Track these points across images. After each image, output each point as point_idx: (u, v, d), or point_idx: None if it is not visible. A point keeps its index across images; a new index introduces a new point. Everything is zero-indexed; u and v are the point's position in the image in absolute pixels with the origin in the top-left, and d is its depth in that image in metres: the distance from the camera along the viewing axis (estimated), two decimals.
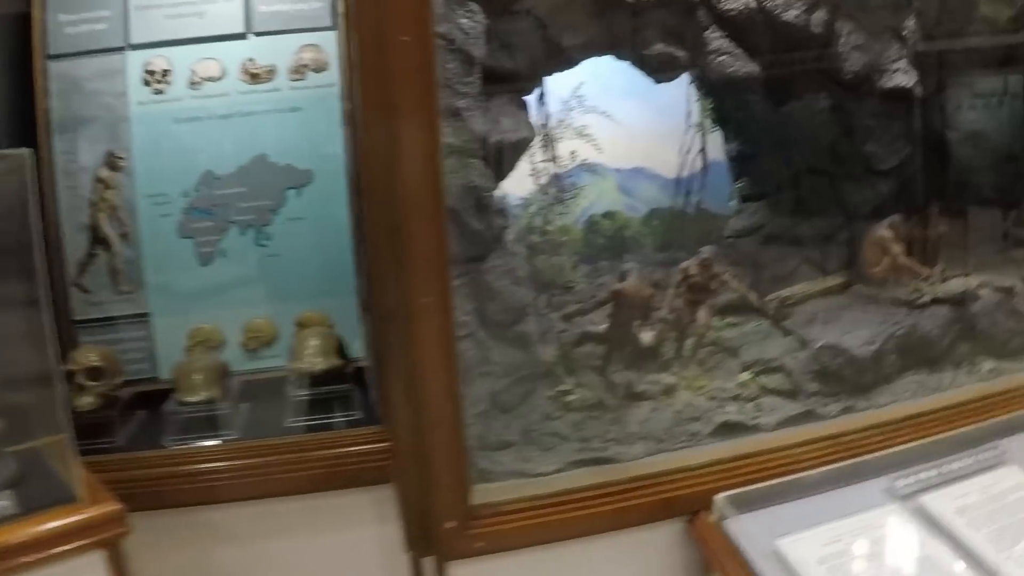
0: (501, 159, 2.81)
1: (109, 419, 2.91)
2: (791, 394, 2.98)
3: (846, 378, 2.98)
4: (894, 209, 3.25)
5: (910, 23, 3.20)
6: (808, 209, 3.35)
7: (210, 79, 3.30)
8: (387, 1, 2.02)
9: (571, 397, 2.93)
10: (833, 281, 3.29)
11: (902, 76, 3.13)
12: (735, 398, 2.97)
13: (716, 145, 3.42)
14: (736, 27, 3.02)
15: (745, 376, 3.04)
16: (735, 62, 3.01)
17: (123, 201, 3.22)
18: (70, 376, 2.81)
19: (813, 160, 3.32)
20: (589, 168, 3.56)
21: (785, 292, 3.21)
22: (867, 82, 3.13)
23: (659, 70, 2.95)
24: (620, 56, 2.97)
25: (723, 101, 3.30)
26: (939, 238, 3.44)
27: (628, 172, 3.68)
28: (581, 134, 3.11)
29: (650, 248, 3.63)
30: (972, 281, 3.33)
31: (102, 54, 3.22)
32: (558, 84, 3.07)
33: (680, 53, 2.93)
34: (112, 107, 3.21)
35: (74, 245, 3.21)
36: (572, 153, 3.10)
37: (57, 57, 3.15)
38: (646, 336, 3.13)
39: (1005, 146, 3.33)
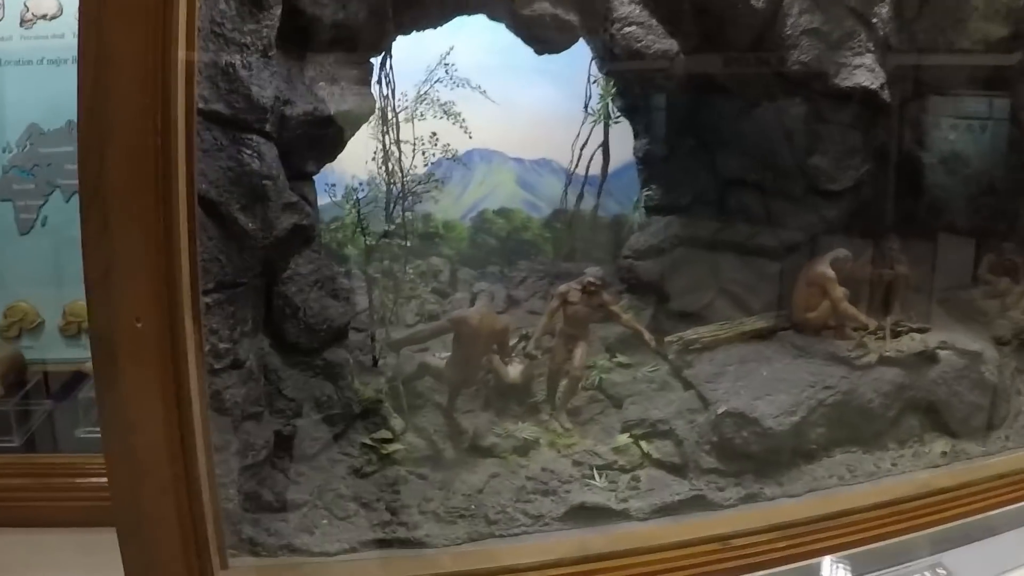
0: (319, 137, 2.15)
1: None
2: (679, 469, 2.32)
3: (753, 456, 2.31)
4: (842, 241, 2.56)
5: (882, 9, 2.52)
6: (732, 230, 2.66)
7: (44, 17, 2.79)
8: None
9: (393, 447, 2.28)
10: (755, 324, 2.61)
11: (866, 74, 2.46)
12: (607, 467, 2.31)
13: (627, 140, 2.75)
14: None
15: (624, 439, 2.38)
16: (646, 35, 2.34)
17: None
18: None
19: (742, 170, 2.63)
20: (484, 155, 2.93)
21: (690, 334, 2.53)
22: (820, 78, 2.46)
23: (541, 38, 2.28)
24: (493, 16, 2.29)
25: (632, 86, 2.61)
26: (899, 281, 2.77)
27: (531, 164, 3.04)
28: (448, 112, 2.43)
29: (550, 255, 2.99)
30: (932, 339, 2.66)
31: None
32: (422, 48, 2.41)
33: (571, 17, 2.26)
34: None
35: None
36: (433, 136, 2.42)
37: None
38: (513, 370, 2.47)
39: (986, 175, 2.63)
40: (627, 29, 2.33)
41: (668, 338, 2.52)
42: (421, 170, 2.49)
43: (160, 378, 1.67)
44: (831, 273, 2.53)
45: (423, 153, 2.43)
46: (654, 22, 2.36)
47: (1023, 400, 2.85)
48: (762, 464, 2.32)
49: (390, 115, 2.29)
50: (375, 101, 2.28)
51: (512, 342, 2.46)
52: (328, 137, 2.19)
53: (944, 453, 2.57)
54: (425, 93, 2.40)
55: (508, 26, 2.29)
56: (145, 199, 1.56)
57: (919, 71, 2.67)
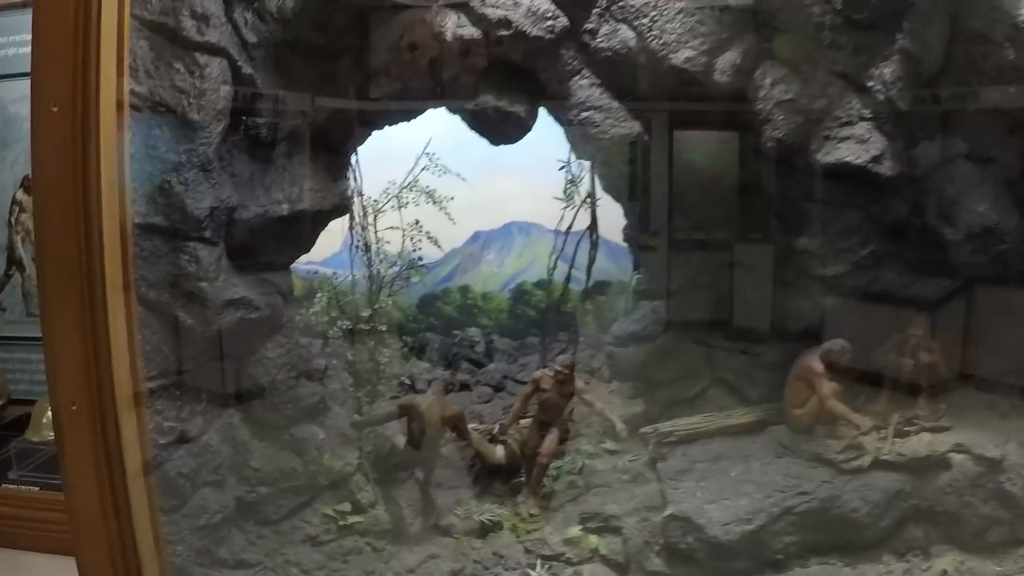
0: (282, 234, 2.30)
1: None
2: (623, 569, 2.28)
3: (700, 563, 2.22)
4: (861, 327, 2.34)
5: (885, 70, 2.25)
6: (727, 317, 2.51)
7: None
8: None
9: (354, 519, 2.43)
10: (741, 418, 2.46)
11: (853, 147, 2.22)
12: (554, 558, 2.32)
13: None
14: (612, 72, 2.26)
15: (576, 531, 2.37)
16: (604, 119, 2.25)
17: None
18: None
19: (738, 253, 2.46)
20: (522, 228, 2.94)
21: (667, 425, 2.44)
22: (800, 154, 2.25)
23: (490, 130, 2.27)
24: (451, 110, 2.32)
25: (610, 167, 2.51)
26: (921, 371, 2.48)
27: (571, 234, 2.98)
28: (434, 198, 2.49)
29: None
30: (943, 441, 2.38)
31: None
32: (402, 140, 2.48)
33: (517, 108, 2.23)
34: None
35: None
36: (416, 223, 2.49)
37: None
38: (499, 451, 2.55)
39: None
40: (584, 114, 2.26)
41: (643, 429, 2.45)
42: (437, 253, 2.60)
43: (92, 452, 1.96)
44: (819, 367, 2.32)
45: (411, 239, 2.52)
46: (615, 104, 2.27)
47: None
48: (713, 572, 2.23)
49: (360, 208, 2.40)
50: (338, 198, 2.39)
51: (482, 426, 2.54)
52: (293, 233, 2.34)
53: (944, 571, 2.32)
54: (412, 182, 2.48)
55: (463, 119, 2.31)
56: (72, 302, 1.81)
57: (944, 128, 2.36)
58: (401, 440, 2.48)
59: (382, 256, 2.49)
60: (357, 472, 2.49)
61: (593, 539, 2.34)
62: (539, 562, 2.30)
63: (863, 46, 2.25)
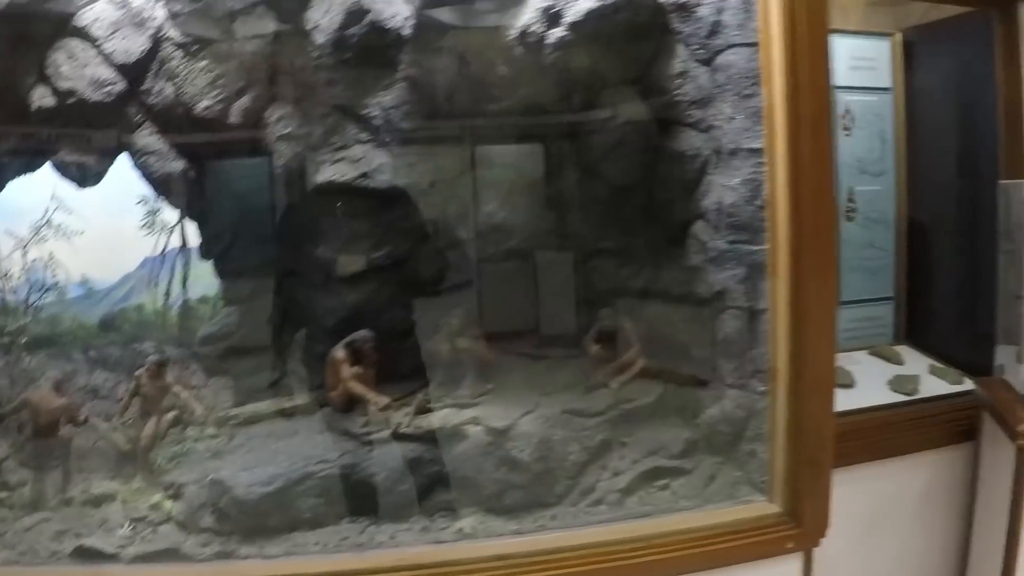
0: None
1: None
2: (185, 526, 2.72)
3: (233, 519, 2.64)
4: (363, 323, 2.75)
5: (386, 98, 2.68)
6: (285, 317, 2.95)
7: None
8: None
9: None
10: (291, 402, 2.88)
11: (343, 167, 2.65)
12: (141, 519, 2.79)
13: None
14: (163, 122, 2.79)
15: (158, 498, 2.83)
16: (156, 162, 2.78)
17: None
18: None
19: (293, 262, 2.90)
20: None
21: (233, 411, 2.89)
22: (303, 177, 2.70)
23: (67, 175, 2.83)
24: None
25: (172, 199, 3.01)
26: (461, 353, 2.83)
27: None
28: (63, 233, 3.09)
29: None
30: (462, 415, 2.71)
31: None
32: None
33: (87, 159, 2.80)
34: None
35: None
36: (51, 255, 3.09)
37: None
38: (119, 438, 3.06)
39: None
40: (144, 159, 2.79)
41: (219, 414, 2.91)
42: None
43: None
44: (339, 355, 2.72)
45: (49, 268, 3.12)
46: (166, 148, 2.80)
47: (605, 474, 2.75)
48: (244, 527, 2.63)
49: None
50: None
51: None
52: None
53: (463, 530, 2.62)
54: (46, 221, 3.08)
55: (56, 170, 2.88)
56: None
57: (457, 147, 2.76)
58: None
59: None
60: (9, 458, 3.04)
61: (168, 504, 2.80)
62: (127, 522, 2.78)
63: (359, 80, 2.70)
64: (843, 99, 3.44)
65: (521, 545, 2.53)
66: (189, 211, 2.97)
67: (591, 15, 2.66)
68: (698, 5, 2.76)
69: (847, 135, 3.42)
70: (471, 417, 2.70)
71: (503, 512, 2.66)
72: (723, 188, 2.70)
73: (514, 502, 2.66)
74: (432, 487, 2.70)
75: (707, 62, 2.77)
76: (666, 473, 2.76)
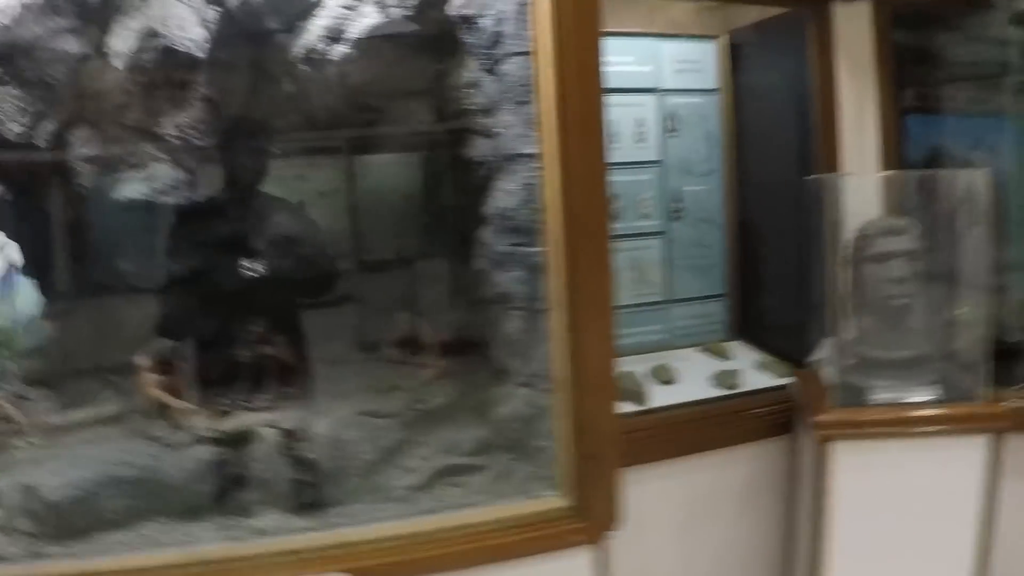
0: None
1: None
2: (4, 530, 2.87)
3: (44, 521, 2.78)
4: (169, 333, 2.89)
5: (183, 118, 2.83)
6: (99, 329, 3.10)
7: None
8: None
9: None
10: (107, 410, 3.02)
11: (137, 185, 2.80)
12: None
13: None
14: None
15: None
16: None
17: None
18: None
19: (101, 278, 3.06)
20: None
21: (54, 419, 3.04)
22: (106, 195, 2.85)
23: None
24: None
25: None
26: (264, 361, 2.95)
27: None
28: None
29: None
30: (257, 419, 2.83)
31: None
32: None
33: None
34: None
35: None
36: None
37: None
38: None
39: None
40: None
41: (39, 421, 3.06)
42: None
43: None
44: (141, 362, 2.87)
45: None
46: None
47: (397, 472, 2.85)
48: (54, 529, 2.76)
49: None
50: None
51: None
52: None
53: (262, 530, 2.73)
54: None
55: None
56: None
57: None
58: None
59: None
60: None
61: None
62: None
63: (155, 103, 2.84)
64: (669, 101, 3.52)
65: (313, 540, 2.66)
66: (8, 233, 3.13)
67: (376, 31, 2.79)
68: (480, 16, 2.87)
69: (673, 137, 3.50)
70: (268, 420, 2.82)
71: (297, 510, 2.77)
72: (504, 193, 2.81)
73: (307, 500, 2.77)
74: (230, 488, 2.82)
75: (491, 71, 2.88)
76: (460, 470, 2.86)
